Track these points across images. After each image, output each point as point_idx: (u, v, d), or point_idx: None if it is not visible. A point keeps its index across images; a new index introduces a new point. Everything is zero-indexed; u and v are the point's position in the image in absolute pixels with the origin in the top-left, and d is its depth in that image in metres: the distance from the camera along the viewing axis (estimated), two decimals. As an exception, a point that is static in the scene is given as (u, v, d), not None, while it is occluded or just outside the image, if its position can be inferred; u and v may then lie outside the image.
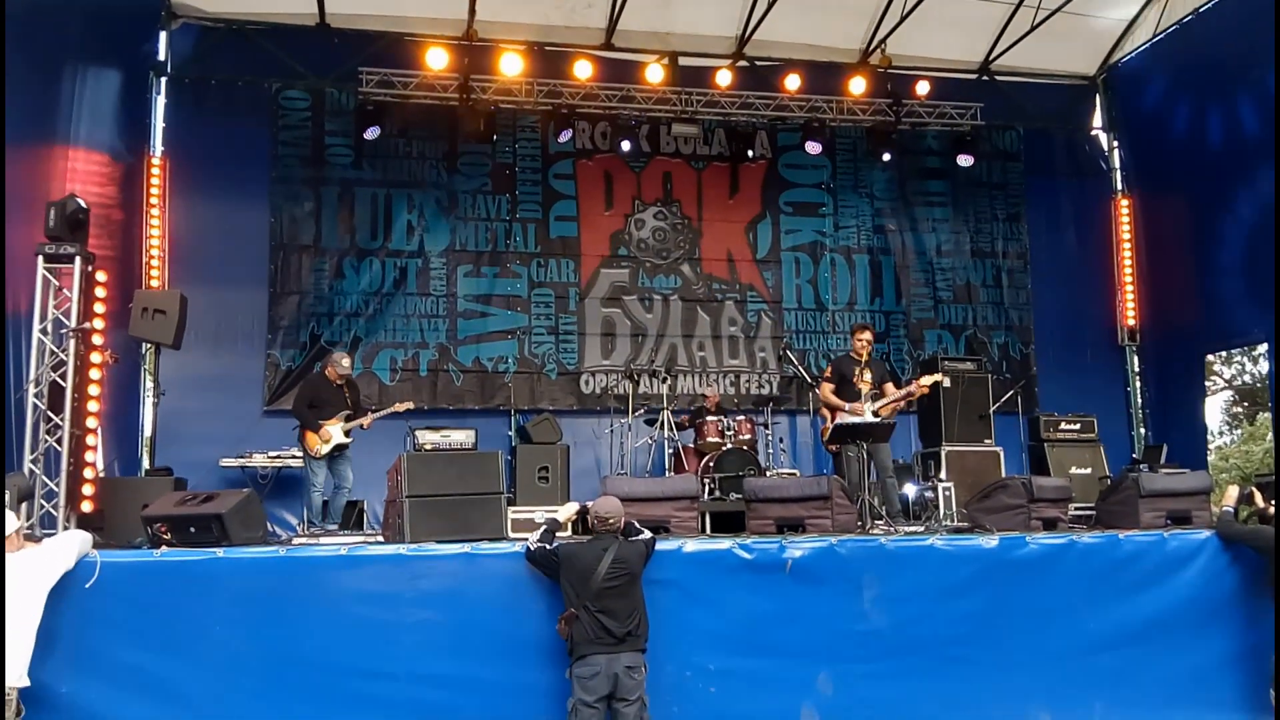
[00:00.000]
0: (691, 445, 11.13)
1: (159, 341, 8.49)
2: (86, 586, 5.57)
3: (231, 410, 11.35)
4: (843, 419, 8.94)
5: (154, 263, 11.30)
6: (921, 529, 8.02)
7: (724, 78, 12.40)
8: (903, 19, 12.10)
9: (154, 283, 11.19)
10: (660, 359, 12.71)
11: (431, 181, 12.51)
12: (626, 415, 11.40)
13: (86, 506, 7.27)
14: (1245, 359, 22.04)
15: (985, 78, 13.56)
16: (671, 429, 11.11)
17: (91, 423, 7.38)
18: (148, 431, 11.16)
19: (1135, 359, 13.77)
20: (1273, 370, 9.47)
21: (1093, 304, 13.78)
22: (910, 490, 9.22)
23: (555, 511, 7.45)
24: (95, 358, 7.47)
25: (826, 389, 9.34)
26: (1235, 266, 11.83)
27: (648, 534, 6.38)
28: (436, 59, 11.57)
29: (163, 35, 11.74)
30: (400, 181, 12.42)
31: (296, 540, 7.84)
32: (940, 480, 9.55)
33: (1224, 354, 20.35)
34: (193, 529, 6.28)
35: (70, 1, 9.16)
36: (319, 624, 5.96)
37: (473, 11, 11.86)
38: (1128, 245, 13.75)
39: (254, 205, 11.96)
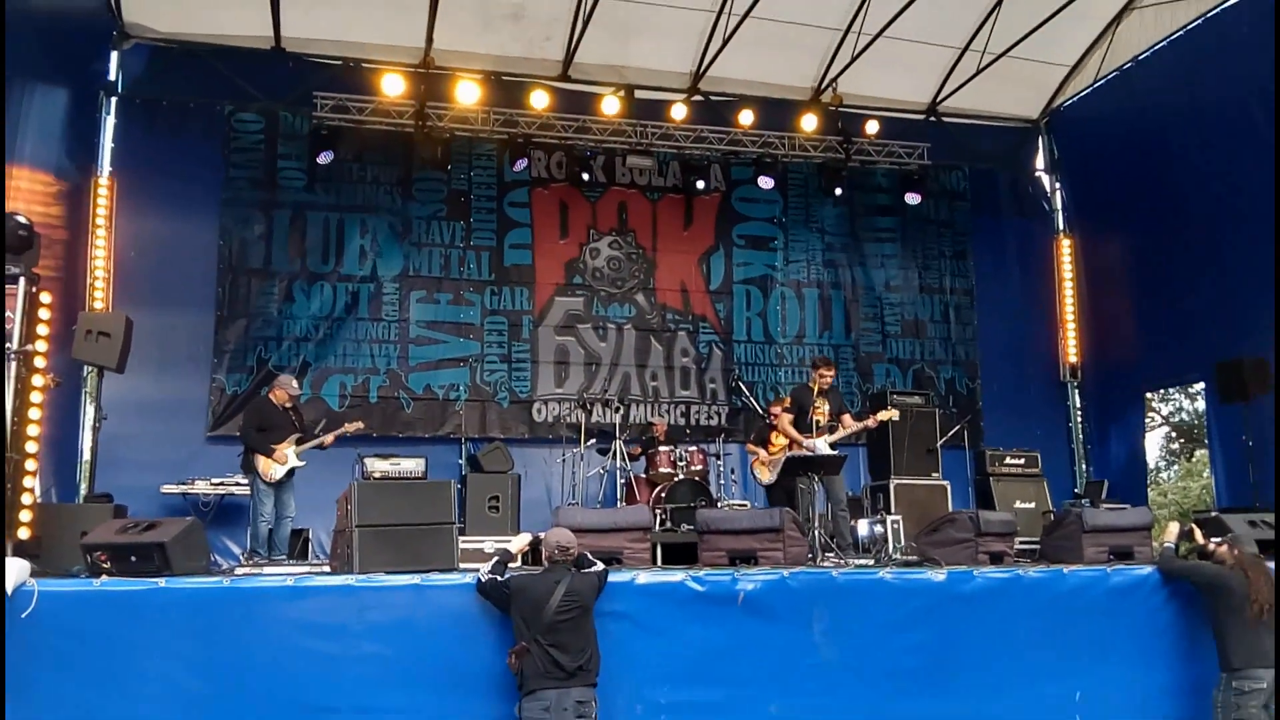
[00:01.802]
0: (643, 475, 11.13)
1: (103, 365, 8.32)
2: (23, 616, 5.41)
3: (174, 436, 11.17)
4: (797, 451, 9.01)
5: (98, 284, 11.12)
6: (872, 562, 8.08)
7: (679, 111, 12.57)
8: (854, 59, 12.40)
9: (98, 304, 10.99)
10: (614, 388, 12.73)
11: (385, 207, 12.47)
12: (579, 444, 11.38)
13: (23, 533, 7.06)
14: (1182, 396, 22.57)
15: (933, 118, 13.87)
16: (623, 459, 11.11)
17: (31, 447, 7.18)
18: (86, 457, 10.91)
19: (1077, 395, 14.07)
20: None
21: (1036, 340, 14.09)
22: (862, 528, 9.28)
23: (505, 541, 7.40)
24: (37, 380, 7.28)
25: (785, 420, 9.41)
26: (1173, 307, 12.15)
27: (600, 565, 6.34)
28: (392, 85, 11.58)
29: (114, 54, 11.66)
30: (354, 206, 12.36)
31: (240, 570, 7.67)
32: (889, 513, 9.64)
33: (1165, 390, 20.82)
34: (134, 558, 6.12)
35: (21, 17, 8.98)
36: (263, 656, 5.82)
37: (430, 40, 11.88)
38: (1070, 284, 14.10)
39: (203, 227, 11.83)
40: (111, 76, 11.62)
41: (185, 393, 11.43)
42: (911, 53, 12.77)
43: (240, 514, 10.26)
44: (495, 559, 6.25)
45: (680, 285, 13.34)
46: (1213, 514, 8.55)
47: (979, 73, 12.86)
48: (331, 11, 11.65)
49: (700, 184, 13.11)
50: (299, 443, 9.24)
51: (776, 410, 10.73)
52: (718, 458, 11.62)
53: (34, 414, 7.28)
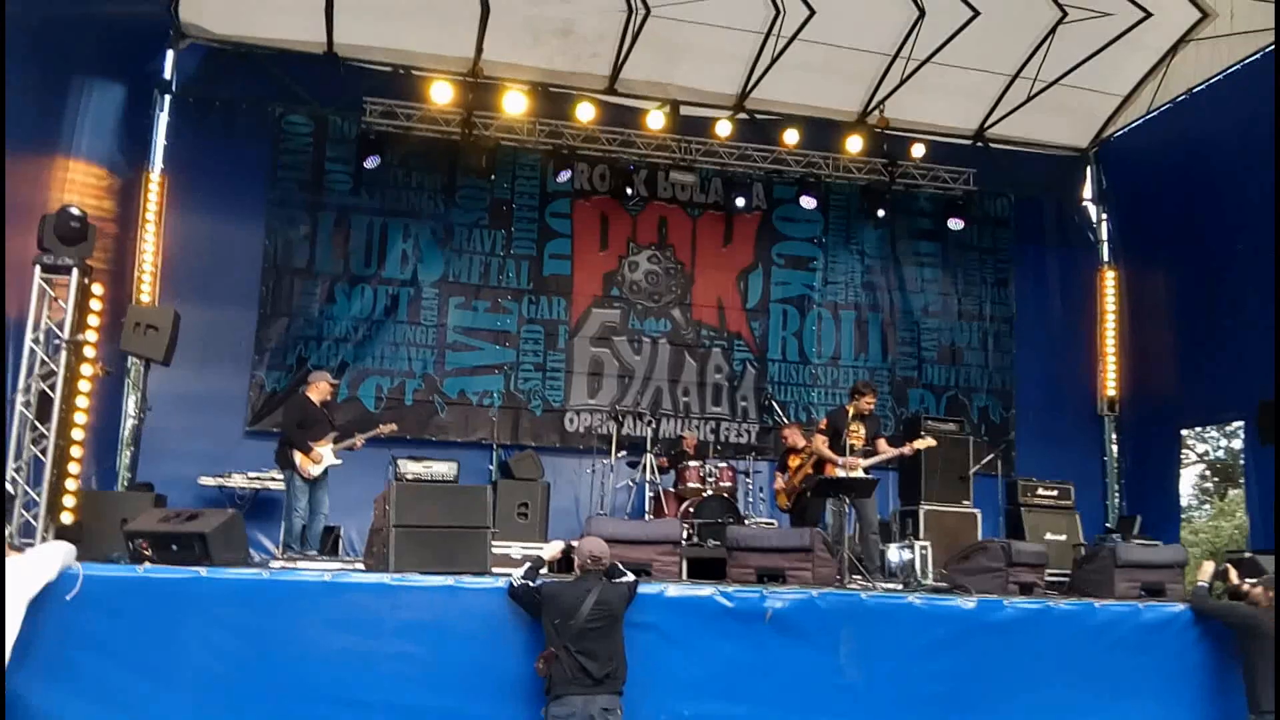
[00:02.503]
0: (672, 489, 11.15)
1: (150, 357, 8.46)
2: (67, 598, 5.53)
3: (213, 429, 11.32)
4: (831, 473, 9.02)
5: (145, 278, 11.30)
6: (901, 586, 8.06)
7: (723, 128, 12.61)
8: (901, 83, 12.38)
9: (144, 297, 11.17)
10: (645, 401, 12.77)
11: (428, 212, 12.60)
12: (609, 455, 11.42)
13: (67, 518, 7.21)
14: (1219, 434, 22.28)
15: (979, 144, 13.80)
16: (653, 472, 11.14)
17: (78, 434, 7.33)
18: (129, 446, 11.07)
19: (1113, 429, 13.92)
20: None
21: (1074, 372, 13.95)
22: (892, 554, 9.24)
23: (534, 548, 7.49)
24: (86, 369, 7.44)
25: (820, 442, 9.40)
26: (1215, 345, 12.01)
27: (631, 576, 6.39)
28: (441, 93, 11.73)
29: (169, 54, 11.83)
30: (397, 211, 12.50)
31: (275, 564, 7.78)
32: (918, 539, 9.62)
33: (1202, 428, 20.58)
34: (175, 547, 6.25)
35: (82, 16, 9.21)
36: (298, 649, 5.93)
37: (479, 50, 12.01)
38: (1111, 316, 13.95)
39: (249, 226, 12.01)
40: (166, 75, 11.81)
41: (226, 388, 11.59)
42: (960, 79, 12.72)
43: (274, 508, 10.38)
44: (528, 565, 6.32)
45: (717, 302, 13.37)
46: (1248, 554, 8.47)
47: (1029, 100, 12.80)
48: (384, 20, 11.78)
49: (741, 201, 13.12)
50: (335, 441, 9.33)
51: (787, 434, 10.76)
52: (746, 475, 11.63)
53: (81, 402, 7.44)
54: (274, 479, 10.39)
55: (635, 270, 13.21)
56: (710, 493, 10.73)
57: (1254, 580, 6.98)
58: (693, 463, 11.05)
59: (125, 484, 10.55)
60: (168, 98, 11.85)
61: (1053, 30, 11.91)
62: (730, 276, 13.43)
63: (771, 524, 11.21)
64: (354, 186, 12.37)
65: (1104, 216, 14.40)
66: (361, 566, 7.38)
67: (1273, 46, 11.10)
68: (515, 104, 11.90)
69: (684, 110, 12.71)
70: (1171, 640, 7.00)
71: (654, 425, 11.75)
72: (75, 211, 7.63)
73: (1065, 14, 11.55)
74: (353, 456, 9.62)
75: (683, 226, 13.41)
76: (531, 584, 6.14)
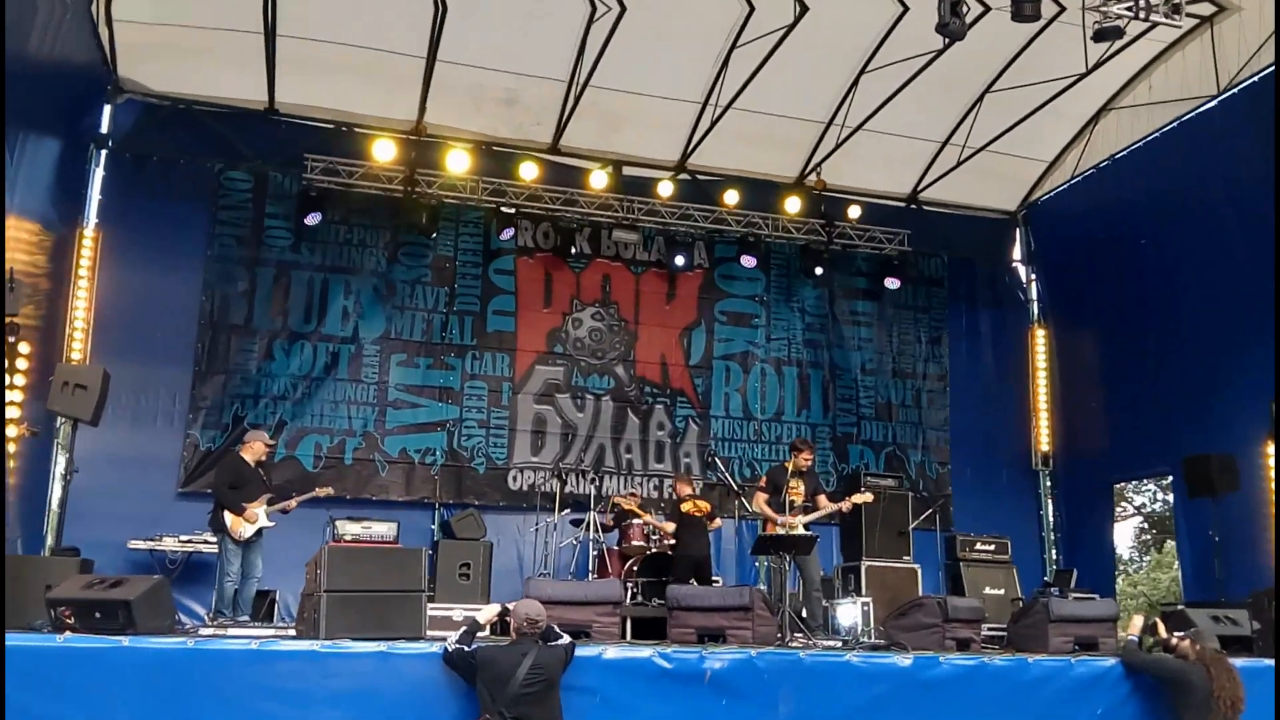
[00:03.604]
0: (615, 547, 11.09)
1: (78, 417, 8.29)
2: (-18, 669, 5.34)
3: (144, 490, 11.06)
4: (771, 530, 9.06)
5: (77, 335, 11.06)
6: (839, 644, 8.07)
7: (665, 188, 12.83)
8: (836, 147, 12.72)
9: (75, 355, 10.93)
10: (589, 459, 12.75)
11: (370, 269, 12.56)
12: (553, 514, 11.35)
13: (-13, 585, 6.97)
14: (1156, 487, 22.76)
15: (913, 206, 14.17)
16: (597, 530, 11.09)
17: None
18: (55, 508, 10.74)
19: (1048, 483, 14.16)
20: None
21: (1008, 428, 14.22)
22: (846, 614, 9.22)
23: (475, 610, 7.37)
24: (11, 431, 7.27)
25: (761, 499, 9.45)
26: (1144, 400, 12.34)
27: (567, 639, 6.33)
28: (383, 151, 11.78)
29: (107, 109, 11.74)
30: (339, 267, 12.44)
31: (204, 631, 7.58)
32: (859, 595, 9.66)
33: (1135, 482, 21.01)
34: (98, 614, 6.07)
35: (18, 66, 9.11)
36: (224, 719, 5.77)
37: (422, 113, 12.10)
38: (1043, 374, 14.30)
39: (186, 282, 11.87)
40: (103, 130, 11.71)
41: (158, 447, 11.36)
42: (893, 145, 13.12)
43: (207, 572, 10.12)
44: (463, 629, 6.24)
45: (660, 359, 13.44)
46: (1178, 608, 8.62)
47: (959, 165, 13.20)
48: (326, 81, 11.82)
49: (681, 260, 13.29)
50: (270, 503, 9.17)
51: (683, 489, 10.81)
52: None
53: (7, 464, 7.25)
54: (207, 541, 10.16)
55: (579, 327, 13.26)
56: (654, 550, 10.69)
57: (1182, 634, 7.09)
58: (635, 521, 11.01)
59: (51, 549, 10.22)
60: (104, 152, 11.74)
61: (979, 99, 12.32)
62: (673, 334, 13.54)
63: (717, 581, 11.20)
64: (294, 243, 12.30)
65: (1033, 277, 14.84)
66: (293, 632, 7.23)
67: (1188, 115, 11.59)
68: (458, 162, 11.99)
69: (626, 170, 12.91)
70: (1103, 694, 7.07)
71: (597, 483, 11.72)
72: (9, 270, 7.51)
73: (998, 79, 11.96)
74: (291, 518, 9.44)
75: (626, 284, 13.51)
76: (466, 648, 6.05)
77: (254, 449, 9.34)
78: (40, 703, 5.49)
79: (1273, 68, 10.34)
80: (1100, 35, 9.81)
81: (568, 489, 11.88)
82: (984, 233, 14.66)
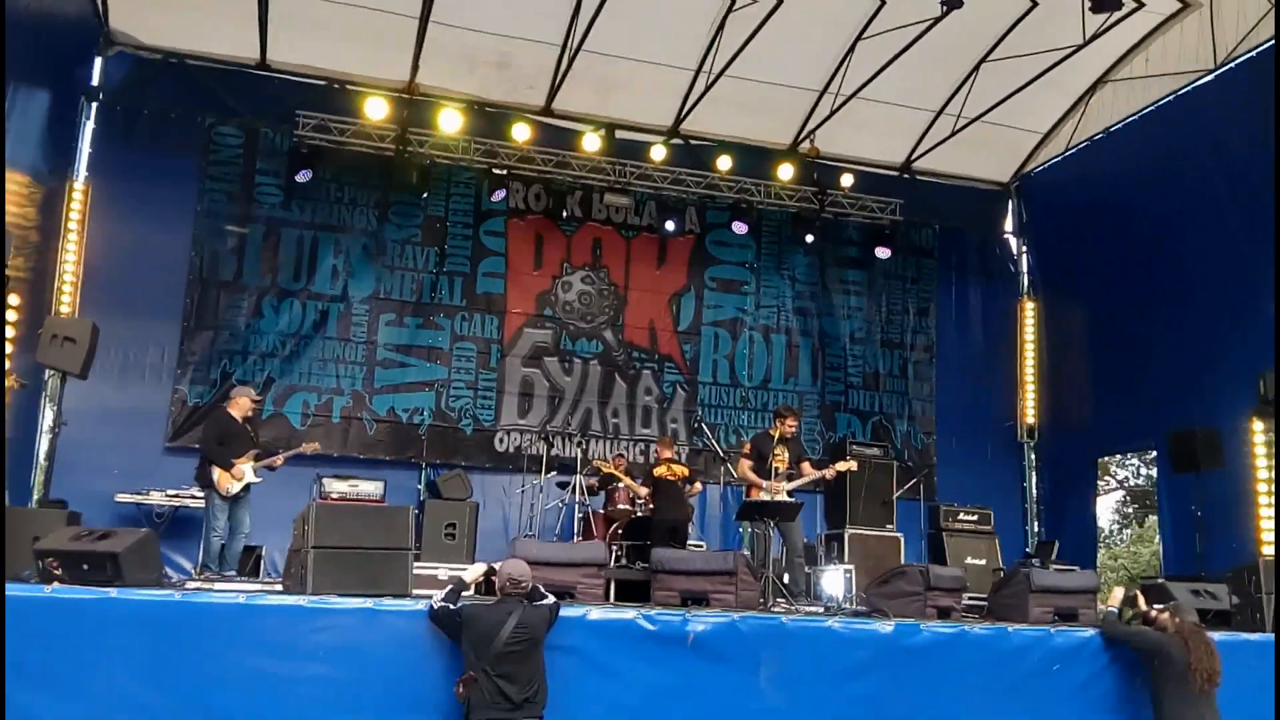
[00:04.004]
0: (601, 511, 11.16)
1: (66, 370, 8.28)
2: (-29, 620, 5.36)
3: (132, 444, 11.10)
4: (755, 496, 9.12)
5: (66, 288, 11.02)
6: (821, 610, 8.16)
7: (658, 153, 12.77)
8: (830, 115, 12.65)
9: (64, 308, 10.90)
10: (575, 422, 12.78)
11: (361, 228, 12.51)
12: (539, 476, 11.40)
13: (-26, 535, 6.98)
14: (1139, 461, 22.92)
15: (906, 176, 14.14)
16: (582, 493, 11.14)
17: (-11, 449, 7.13)
18: (42, 461, 10.77)
19: (1032, 455, 14.26)
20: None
21: (994, 400, 14.30)
22: (832, 583, 9.29)
23: (460, 569, 7.43)
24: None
25: (745, 465, 9.50)
26: (1130, 376, 12.41)
27: (552, 599, 6.37)
28: (375, 109, 11.70)
29: (98, 61, 11.62)
30: (329, 225, 12.39)
31: (191, 585, 7.62)
32: (842, 562, 9.76)
33: (1119, 456, 21.18)
34: (86, 566, 6.08)
35: (10, 19, 8.99)
36: (211, 672, 5.78)
37: (414, 72, 11.99)
38: (1031, 346, 14.35)
39: (175, 237, 11.82)
40: (94, 83, 11.60)
41: (146, 402, 11.36)
42: (887, 114, 13.06)
43: (193, 527, 10.15)
44: (449, 587, 6.27)
45: (649, 324, 13.45)
46: (1158, 581, 8.72)
47: (953, 135, 13.16)
48: (319, 39, 11.71)
49: (671, 225, 13.26)
50: (256, 459, 9.18)
51: (663, 452, 10.89)
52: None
53: (-6, 415, 7.23)
54: (194, 496, 10.17)
55: (569, 290, 13.25)
56: (639, 514, 10.75)
57: (1161, 606, 7.17)
58: (620, 485, 11.07)
59: (38, 500, 10.24)
60: (94, 105, 11.63)
61: (975, 69, 12.27)
62: (663, 299, 13.54)
63: (701, 545, 11.29)
64: (285, 200, 12.24)
65: (1024, 249, 14.84)
66: (279, 587, 7.26)
67: (1184, 89, 11.57)
68: (450, 122, 11.89)
69: (619, 134, 12.84)
70: (1082, 665, 7.15)
71: (583, 446, 11.77)
72: (-6, 221, 7.46)
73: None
74: (277, 475, 9.46)
75: (617, 248, 13.49)
76: (452, 606, 6.09)
77: (240, 405, 9.35)
78: (28, 652, 5.51)
79: (1272, 42, 10.30)
80: (1099, 6, 9.80)
81: (554, 452, 11.92)
82: (976, 203, 14.66)
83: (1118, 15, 10.37)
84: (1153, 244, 12.19)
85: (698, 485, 11.33)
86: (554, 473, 11.54)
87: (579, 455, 11.48)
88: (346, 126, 11.89)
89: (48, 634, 5.60)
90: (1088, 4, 9.97)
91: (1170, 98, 11.93)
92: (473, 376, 12.66)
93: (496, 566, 6.54)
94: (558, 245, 13.27)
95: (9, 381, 7.37)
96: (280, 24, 11.44)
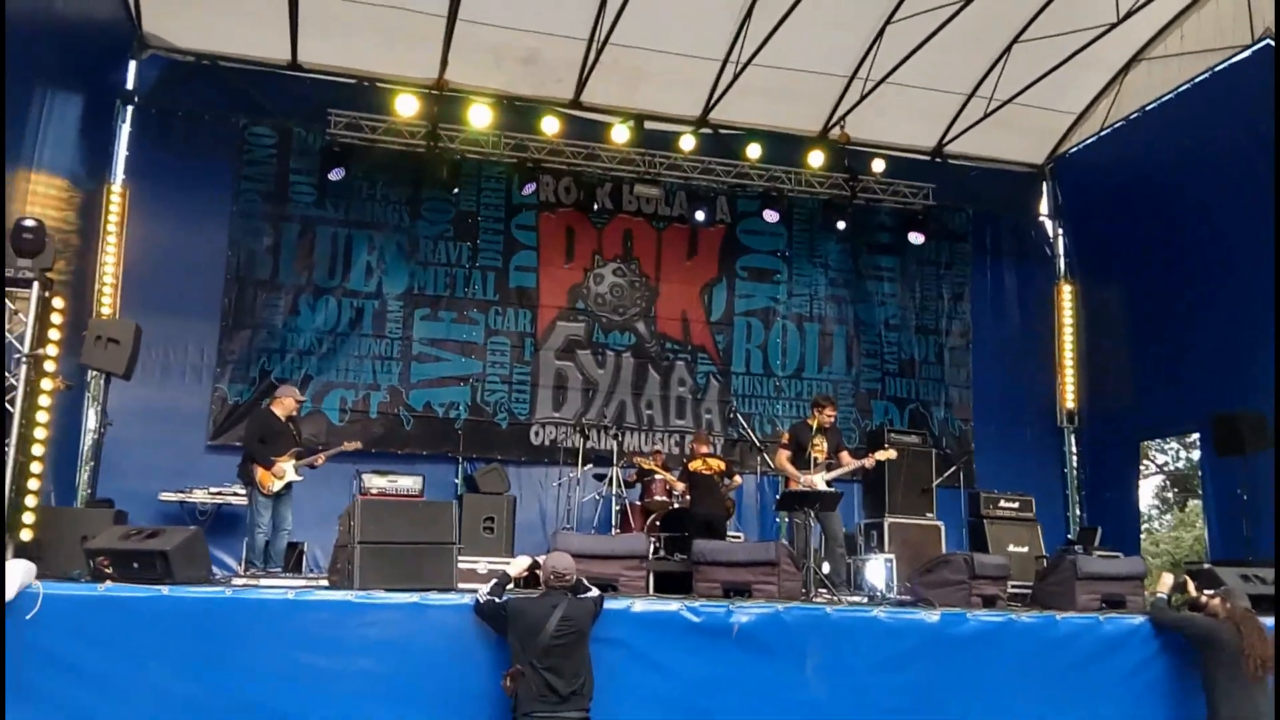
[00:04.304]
0: (638, 503, 11.16)
1: (110, 371, 8.34)
2: (27, 618, 5.44)
3: (174, 443, 11.20)
4: (794, 487, 9.09)
5: (106, 290, 11.15)
6: (865, 600, 8.12)
7: (687, 143, 12.70)
8: (860, 100, 12.54)
9: (105, 310, 11.03)
10: (609, 415, 12.79)
11: (394, 224, 12.56)
12: (575, 469, 11.42)
13: (26, 535, 7.08)
14: (1179, 445, 22.64)
15: (938, 160, 14.00)
16: (619, 486, 11.15)
17: (38, 450, 7.20)
18: (88, 461, 10.90)
19: (1073, 441, 14.11)
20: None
21: (1033, 385, 14.15)
22: (875, 573, 9.25)
23: (498, 563, 7.47)
24: (46, 384, 7.33)
25: (783, 456, 9.48)
26: (1172, 358, 12.24)
27: (596, 592, 6.39)
28: (406, 105, 11.71)
29: (132, 64, 11.71)
30: (362, 223, 12.45)
31: (237, 581, 7.69)
32: (882, 552, 9.71)
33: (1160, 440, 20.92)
34: (136, 564, 6.17)
35: (43, 24, 9.10)
36: (260, 668, 5.86)
37: (443, 69, 12.00)
38: (1069, 330, 14.19)
39: (212, 238, 11.92)
40: (129, 86, 11.70)
41: (187, 401, 11.49)
42: (918, 98, 12.92)
43: (236, 524, 10.27)
44: (494, 581, 6.30)
45: (681, 315, 13.42)
46: (1206, 566, 8.61)
47: (985, 118, 13.02)
48: (348, 39, 11.74)
49: (701, 215, 13.21)
50: (298, 457, 9.26)
51: (699, 448, 10.85)
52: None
53: (42, 417, 7.31)
54: (236, 494, 10.31)
55: (600, 283, 13.24)
56: (676, 506, 10.75)
57: (1211, 592, 7.09)
58: (658, 476, 11.07)
59: (84, 500, 10.38)
60: (130, 108, 11.73)
61: (1007, 50, 12.12)
62: (694, 289, 13.50)
63: (739, 537, 11.27)
64: (318, 198, 12.31)
65: (1060, 231, 14.66)
66: (325, 583, 7.32)
67: (1221, 65, 11.37)
68: (480, 117, 11.90)
69: (648, 125, 12.78)
70: (1132, 652, 7.09)
71: (619, 439, 11.78)
72: (29, 223, 7.50)
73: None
74: (318, 471, 9.55)
75: (648, 239, 13.46)
76: (497, 600, 6.13)
77: (285, 404, 9.45)
78: (84, 649, 5.61)
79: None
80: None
81: (589, 444, 11.92)
82: (1010, 186, 14.47)
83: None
84: (1192, 223, 12.00)
85: (737, 479, 11.32)
86: (590, 465, 11.55)
87: (614, 448, 11.49)
88: (377, 124, 11.94)
89: (101, 632, 5.70)
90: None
91: (1207, 74, 11.70)
92: (507, 370, 12.69)
93: (540, 560, 6.56)
94: (589, 238, 13.26)
95: (55, 383, 7.45)
96: (310, 24, 11.49)
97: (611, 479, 11.18)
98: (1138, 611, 7.45)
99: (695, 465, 10.71)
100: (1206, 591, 7.07)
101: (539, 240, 13.08)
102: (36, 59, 9.01)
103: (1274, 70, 9.85)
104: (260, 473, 9.02)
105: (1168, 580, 7.34)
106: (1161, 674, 7.06)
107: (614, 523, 11.16)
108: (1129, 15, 11.03)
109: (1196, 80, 11.86)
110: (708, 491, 10.45)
